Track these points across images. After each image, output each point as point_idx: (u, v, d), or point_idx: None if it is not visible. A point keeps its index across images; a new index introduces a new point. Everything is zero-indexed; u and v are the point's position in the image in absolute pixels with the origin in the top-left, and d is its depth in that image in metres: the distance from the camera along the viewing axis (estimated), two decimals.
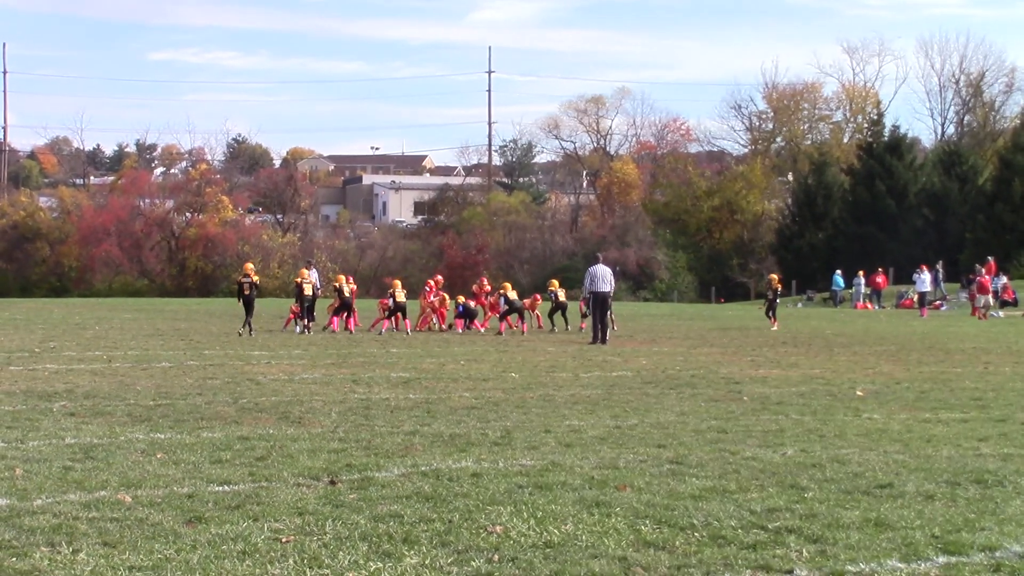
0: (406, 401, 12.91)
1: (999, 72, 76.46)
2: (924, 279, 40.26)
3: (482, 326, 26.61)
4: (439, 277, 28.78)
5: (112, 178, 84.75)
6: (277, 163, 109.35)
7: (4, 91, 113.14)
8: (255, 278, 24.62)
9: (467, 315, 26.15)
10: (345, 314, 25.99)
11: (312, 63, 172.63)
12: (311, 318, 25.52)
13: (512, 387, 14.48)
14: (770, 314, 28.41)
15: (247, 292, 24.16)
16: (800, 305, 48.94)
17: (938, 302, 43.11)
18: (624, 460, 9.16)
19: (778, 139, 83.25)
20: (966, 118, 77.76)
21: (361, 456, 9.24)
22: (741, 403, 13.02)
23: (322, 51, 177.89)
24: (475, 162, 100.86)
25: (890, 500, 7.68)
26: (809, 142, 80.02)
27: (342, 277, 26.92)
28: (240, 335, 23.26)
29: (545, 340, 23.91)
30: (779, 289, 28.95)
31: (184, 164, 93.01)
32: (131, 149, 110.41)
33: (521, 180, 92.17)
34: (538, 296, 28.87)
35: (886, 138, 65.93)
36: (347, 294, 25.95)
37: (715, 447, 9.84)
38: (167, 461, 8.86)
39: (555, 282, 28.17)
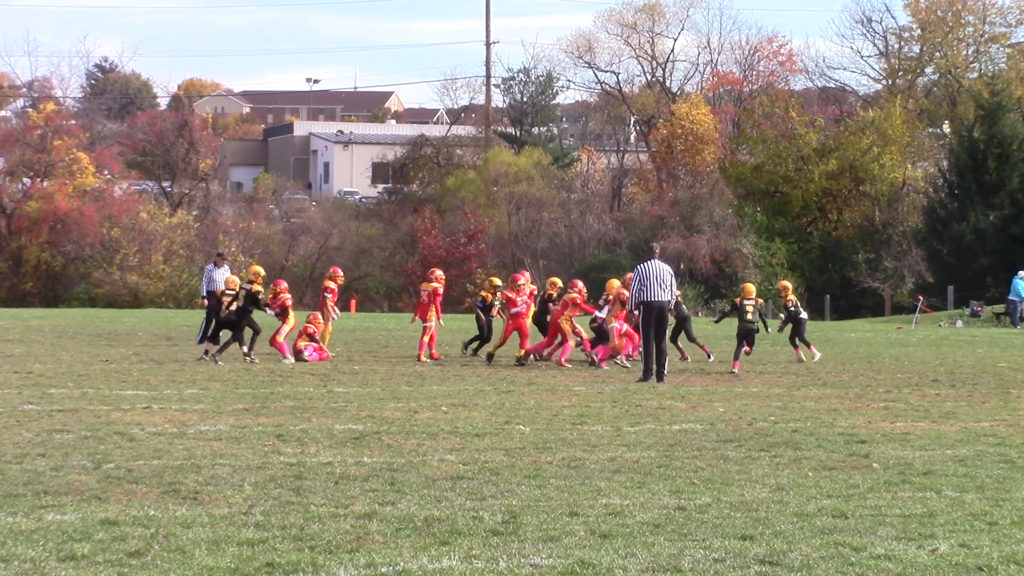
0: (358, 467, 12.93)
1: None
2: None
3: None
4: (438, 275, 27.53)
5: None
6: (164, 103, 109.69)
7: None
8: (258, 288, 25.76)
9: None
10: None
11: None
12: (217, 340, 25.98)
13: (520, 446, 14.50)
14: (796, 341, 27.50)
15: (231, 305, 25.49)
16: (960, 323, 48.84)
17: None
18: (690, 559, 9.20)
19: (928, 70, 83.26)
20: None
21: (289, 551, 9.26)
22: (869, 473, 13.04)
23: None
24: (465, 103, 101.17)
25: None
26: (976, 75, 79.99)
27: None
28: (250, 359, 25.01)
29: (569, 375, 23.90)
30: (795, 303, 28.00)
31: (20, 103, 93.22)
32: None
33: (536, 131, 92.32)
34: (507, 294, 27.16)
35: None
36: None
37: (828, 539, 9.89)
38: None
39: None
